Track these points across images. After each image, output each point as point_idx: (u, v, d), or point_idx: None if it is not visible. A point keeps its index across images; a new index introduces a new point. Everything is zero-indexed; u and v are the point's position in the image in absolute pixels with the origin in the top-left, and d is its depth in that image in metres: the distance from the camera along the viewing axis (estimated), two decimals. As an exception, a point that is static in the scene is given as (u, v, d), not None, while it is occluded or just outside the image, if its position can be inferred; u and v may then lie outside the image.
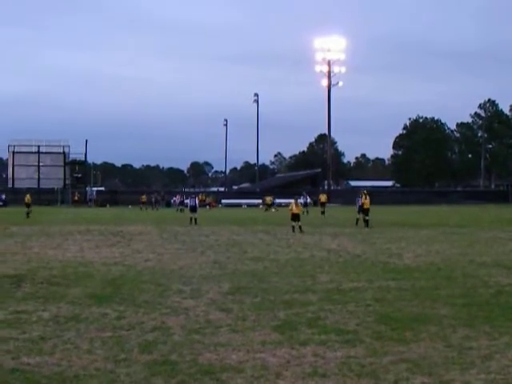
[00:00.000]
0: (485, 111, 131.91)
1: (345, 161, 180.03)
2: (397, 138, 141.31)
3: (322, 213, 55.49)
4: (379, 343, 9.46)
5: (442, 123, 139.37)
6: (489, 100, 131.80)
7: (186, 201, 64.83)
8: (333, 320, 11.11)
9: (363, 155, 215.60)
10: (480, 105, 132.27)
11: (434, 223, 42.19)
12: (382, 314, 11.60)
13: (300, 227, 34.57)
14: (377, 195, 73.04)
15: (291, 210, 36.13)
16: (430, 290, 14.18)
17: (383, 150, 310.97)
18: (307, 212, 51.45)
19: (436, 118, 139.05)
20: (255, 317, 11.37)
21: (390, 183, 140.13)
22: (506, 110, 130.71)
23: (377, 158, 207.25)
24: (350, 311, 11.88)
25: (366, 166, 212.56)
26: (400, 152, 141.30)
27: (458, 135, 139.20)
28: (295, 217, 35.33)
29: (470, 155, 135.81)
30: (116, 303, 12.68)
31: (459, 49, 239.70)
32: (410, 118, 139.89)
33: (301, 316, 11.43)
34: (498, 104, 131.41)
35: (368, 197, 39.62)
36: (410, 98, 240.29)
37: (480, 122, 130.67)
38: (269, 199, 78.55)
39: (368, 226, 37.66)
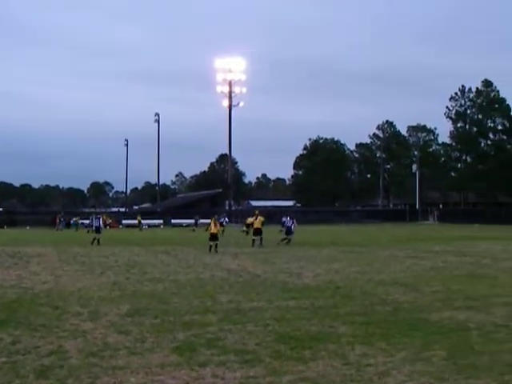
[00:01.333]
0: (383, 132, 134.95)
1: (246, 181, 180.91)
2: (297, 158, 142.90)
3: (247, 233, 54.41)
4: (278, 362, 9.47)
5: (341, 144, 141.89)
6: (387, 121, 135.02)
7: (87, 221, 64.16)
8: (232, 340, 11.07)
9: (264, 175, 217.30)
10: (378, 126, 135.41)
11: (334, 242, 42.74)
12: (281, 334, 11.63)
13: (216, 246, 34.50)
14: (277, 215, 73.69)
15: (209, 229, 35.82)
16: (329, 309, 14.32)
17: (284, 170, 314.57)
18: (223, 232, 50.72)
19: (336, 139, 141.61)
20: (154, 338, 11.23)
21: (290, 203, 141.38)
22: (404, 131, 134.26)
23: (278, 178, 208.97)
24: (250, 331, 11.86)
25: (267, 186, 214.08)
26: (300, 172, 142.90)
27: (357, 155, 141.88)
28: (213, 236, 35.03)
29: (368, 175, 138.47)
30: (11, 327, 12.32)
31: (360, 71, 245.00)
32: (310, 139, 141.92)
33: (200, 337, 11.34)
34: (395, 125, 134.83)
35: (260, 218, 39.65)
36: (311, 119, 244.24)
37: (378, 142, 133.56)
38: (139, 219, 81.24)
39: (254, 245, 38.24)
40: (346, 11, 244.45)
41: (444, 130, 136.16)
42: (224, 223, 57.60)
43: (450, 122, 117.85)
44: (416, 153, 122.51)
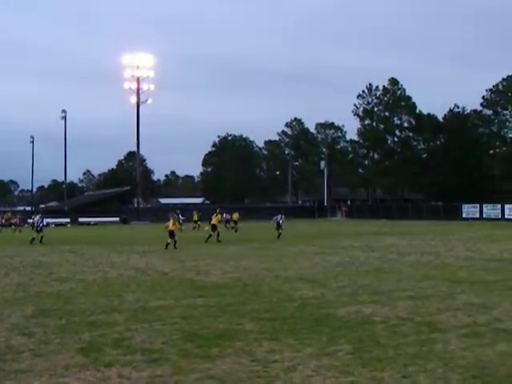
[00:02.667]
0: (291, 129, 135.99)
1: (154, 178, 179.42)
2: (206, 155, 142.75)
3: (233, 229, 55.22)
4: (185, 361, 9.44)
5: (250, 141, 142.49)
6: (295, 119, 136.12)
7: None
8: (139, 339, 10.96)
9: (173, 172, 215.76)
10: (287, 123, 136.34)
11: (242, 239, 42.84)
12: (188, 332, 11.59)
13: (175, 243, 34.96)
14: (188, 212, 73.39)
15: (167, 227, 36.33)
16: (237, 306, 14.34)
17: (193, 167, 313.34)
18: (181, 229, 50.05)
19: (244, 136, 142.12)
20: (59, 340, 11.03)
21: (199, 200, 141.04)
22: (312, 129, 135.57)
23: (186, 176, 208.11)
24: (157, 330, 11.78)
25: (175, 184, 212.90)
26: (209, 169, 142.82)
27: (266, 152, 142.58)
28: (171, 234, 35.51)
29: (277, 172, 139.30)
30: None
31: (270, 69, 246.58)
32: (219, 136, 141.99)
33: (106, 337, 11.20)
34: (303, 122, 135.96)
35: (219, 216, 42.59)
36: (220, 117, 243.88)
37: (287, 139, 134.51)
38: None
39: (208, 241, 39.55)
40: (257, 11, 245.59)
41: (352, 128, 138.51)
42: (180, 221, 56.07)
43: (358, 119, 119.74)
44: (324, 150, 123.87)
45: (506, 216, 76.95)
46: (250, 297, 15.80)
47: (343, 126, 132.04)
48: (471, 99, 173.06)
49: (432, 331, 11.26)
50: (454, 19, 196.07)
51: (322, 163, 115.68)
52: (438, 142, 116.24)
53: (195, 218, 63.28)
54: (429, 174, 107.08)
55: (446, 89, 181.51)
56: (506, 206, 78.72)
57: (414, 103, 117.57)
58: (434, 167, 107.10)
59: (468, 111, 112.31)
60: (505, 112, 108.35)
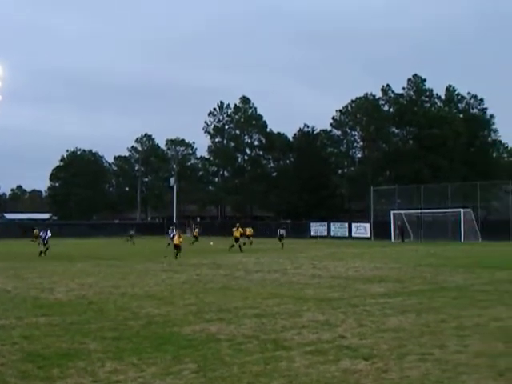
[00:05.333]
0: (142, 145, 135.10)
1: (0, 192, 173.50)
2: (54, 169, 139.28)
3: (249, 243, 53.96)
4: (24, 383, 9.04)
5: (100, 156, 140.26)
6: (146, 134, 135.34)
7: None
8: (-26, 362, 10.42)
9: (19, 187, 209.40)
10: (137, 139, 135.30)
11: (90, 256, 42.02)
12: (29, 352, 11.14)
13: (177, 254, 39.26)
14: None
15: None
16: (81, 325, 13.95)
17: (40, 181, 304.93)
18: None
19: (94, 151, 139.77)
20: None
21: (47, 216, 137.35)
22: (162, 145, 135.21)
23: (34, 190, 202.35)
24: (-5, 351, 11.26)
25: (22, 198, 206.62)
26: (57, 184, 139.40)
27: (115, 168, 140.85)
28: (176, 247, 40.20)
29: (127, 188, 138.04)
30: None
31: (121, 85, 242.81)
32: (67, 150, 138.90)
33: None
34: (154, 138, 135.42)
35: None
36: (70, 131, 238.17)
37: (137, 155, 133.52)
38: None
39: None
40: (115, 26, 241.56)
41: (203, 145, 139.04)
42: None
43: (209, 136, 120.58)
44: (174, 166, 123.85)
45: (353, 234, 79.30)
46: (94, 315, 15.42)
47: (194, 143, 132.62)
48: (322, 120, 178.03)
49: (277, 349, 11.31)
50: (300, 41, 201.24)
51: (172, 180, 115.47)
52: (288, 161, 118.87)
53: (195, 233, 64.22)
54: (278, 192, 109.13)
55: (296, 109, 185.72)
56: (353, 225, 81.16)
57: (264, 122, 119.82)
58: (283, 185, 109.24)
59: (317, 131, 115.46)
60: (353, 133, 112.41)
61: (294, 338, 12.29)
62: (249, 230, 57.33)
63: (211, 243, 49.03)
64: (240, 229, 50.70)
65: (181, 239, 41.18)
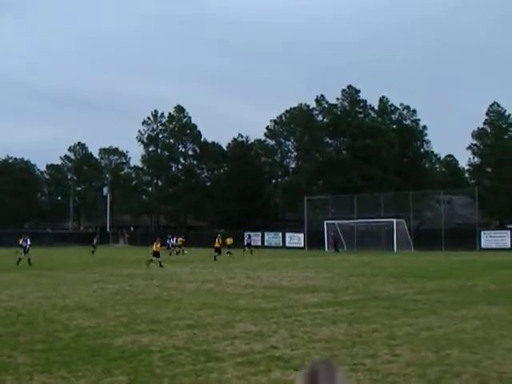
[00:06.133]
0: (75, 154, 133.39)
1: None
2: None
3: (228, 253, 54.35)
4: None
5: (32, 164, 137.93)
6: (79, 143, 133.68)
7: None
8: None
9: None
10: (70, 147, 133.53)
11: (20, 266, 41.18)
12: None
13: (160, 263, 39.88)
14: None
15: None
16: (9, 337, 13.66)
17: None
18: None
19: (26, 159, 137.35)
20: None
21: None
22: (96, 154, 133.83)
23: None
24: None
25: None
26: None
27: (47, 177, 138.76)
28: (156, 254, 40.85)
29: (59, 197, 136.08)
30: None
31: (53, 93, 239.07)
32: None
33: None
34: (87, 147, 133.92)
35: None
36: (1, 139, 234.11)
37: (70, 164, 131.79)
38: None
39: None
40: (44, 32, 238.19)
41: (136, 154, 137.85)
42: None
43: (142, 145, 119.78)
44: (107, 175, 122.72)
45: (287, 244, 79.76)
46: (23, 327, 15.11)
47: (127, 152, 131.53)
48: (256, 130, 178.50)
49: (209, 360, 11.25)
50: (235, 51, 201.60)
51: (105, 189, 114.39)
52: (222, 171, 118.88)
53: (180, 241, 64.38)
54: (212, 201, 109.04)
55: (231, 118, 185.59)
56: (287, 235, 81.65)
57: (199, 131, 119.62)
58: (217, 195, 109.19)
59: (252, 141, 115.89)
60: (287, 142, 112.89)
61: (226, 349, 12.24)
62: (229, 240, 58.59)
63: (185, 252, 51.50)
64: (220, 240, 53.01)
65: (158, 245, 41.69)
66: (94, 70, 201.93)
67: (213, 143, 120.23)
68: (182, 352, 12.00)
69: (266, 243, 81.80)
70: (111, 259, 51.48)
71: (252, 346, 12.63)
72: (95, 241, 69.54)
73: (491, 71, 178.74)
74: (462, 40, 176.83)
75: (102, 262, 47.47)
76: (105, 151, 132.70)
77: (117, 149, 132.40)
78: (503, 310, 17.55)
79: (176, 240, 67.44)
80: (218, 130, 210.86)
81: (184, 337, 13.63)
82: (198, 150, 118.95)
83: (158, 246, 41.83)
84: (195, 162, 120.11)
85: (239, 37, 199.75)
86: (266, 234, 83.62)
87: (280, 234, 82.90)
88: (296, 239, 79.79)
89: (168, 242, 68.64)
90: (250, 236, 69.38)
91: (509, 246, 63.87)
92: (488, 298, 20.72)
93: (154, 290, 24.83)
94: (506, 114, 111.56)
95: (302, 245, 77.44)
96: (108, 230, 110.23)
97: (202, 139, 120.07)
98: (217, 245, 51.99)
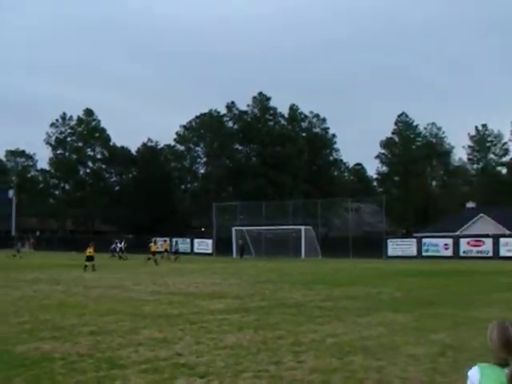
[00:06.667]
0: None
1: None
2: None
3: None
4: None
5: None
6: None
7: None
8: None
9: None
10: None
11: None
12: None
13: (93, 266, 40.76)
14: None
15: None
16: None
17: None
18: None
19: None
20: None
21: None
22: (2, 156, 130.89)
23: None
24: None
25: None
26: None
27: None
28: (90, 258, 41.52)
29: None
30: None
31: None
32: None
33: None
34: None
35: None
36: None
37: None
38: None
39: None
40: None
41: (43, 157, 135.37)
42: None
43: (50, 148, 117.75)
44: (14, 178, 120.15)
45: (196, 250, 79.60)
46: None
47: (35, 154, 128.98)
48: (166, 135, 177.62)
49: (112, 367, 11.09)
50: (145, 56, 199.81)
51: (11, 192, 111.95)
52: (131, 175, 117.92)
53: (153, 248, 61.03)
54: (121, 206, 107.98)
55: (141, 123, 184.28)
56: (196, 240, 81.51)
57: (108, 135, 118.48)
58: (126, 200, 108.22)
59: (161, 146, 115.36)
60: (197, 148, 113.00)
61: (130, 356, 12.10)
62: (165, 244, 61.69)
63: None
64: (155, 243, 55.98)
65: (91, 250, 42.27)
66: (1, 71, 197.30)
67: (122, 147, 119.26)
68: (85, 359, 11.80)
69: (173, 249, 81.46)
70: (15, 264, 50.31)
71: (156, 352, 12.52)
72: (19, 245, 68.65)
73: (400, 82, 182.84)
74: (370, 54, 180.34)
75: (5, 266, 46.34)
76: (11, 153, 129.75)
77: (23, 151, 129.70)
78: (408, 317, 17.91)
79: (122, 244, 66.69)
80: (127, 135, 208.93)
81: (87, 343, 13.41)
82: (106, 154, 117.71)
83: (91, 250, 42.08)
84: (104, 166, 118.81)
85: (151, 43, 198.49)
86: (174, 239, 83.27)
87: (188, 239, 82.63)
88: (204, 245, 79.74)
89: (114, 246, 67.70)
90: (177, 242, 69.73)
91: (415, 254, 65.50)
92: (393, 305, 21.12)
93: (58, 295, 24.37)
94: (414, 124, 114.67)
95: (211, 251, 77.45)
96: (13, 233, 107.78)
97: (111, 143, 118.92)
98: (153, 248, 55.31)
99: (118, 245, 67.16)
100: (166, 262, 56.18)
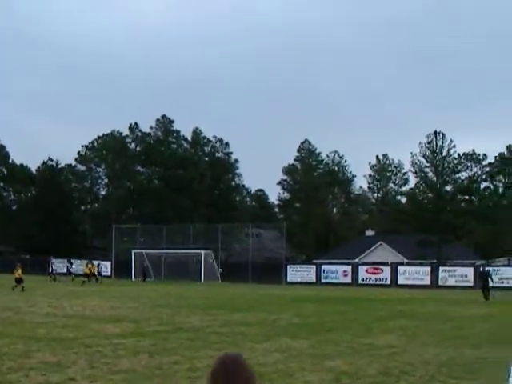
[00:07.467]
0: None
1: None
2: None
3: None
4: None
5: None
6: None
7: None
8: None
9: None
10: None
11: None
12: None
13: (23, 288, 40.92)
14: None
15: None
16: None
17: None
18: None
19: None
20: None
21: None
22: None
23: None
24: None
25: None
26: None
27: None
28: (19, 280, 41.70)
29: None
30: None
31: None
32: None
33: None
34: None
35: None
36: None
37: None
38: None
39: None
40: None
41: None
42: None
43: None
44: None
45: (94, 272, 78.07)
46: None
47: None
48: (68, 154, 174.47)
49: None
50: (48, 73, 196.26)
51: None
52: (30, 194, 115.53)
53: (87, 270, 60.08)
54: (19, 225, 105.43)
55: (42, 141, 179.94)
56: (94, 262, 79.71)
57: (7, 152, 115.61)
58: (24, 219, 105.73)
59: (62, 165, 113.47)
60: (98, 169, 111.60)
61: (21, 381, 11.80)
62: (92, 267, 61.57)
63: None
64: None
65: (19, 271, 42.43)
66: None
67: (21, 165, 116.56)
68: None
69: (73, 271, 79.76)
70: None
71: (48, 377, 12.24)
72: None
73: (303, 110, 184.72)
74: (273, 79, 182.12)
75: None
76: None
77: None
78: (304, 344, 18.06)
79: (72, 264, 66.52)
80: (27, 153, 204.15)
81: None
82: (5, 172, 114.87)
83: (19, 271, 42.35)
84: (1, 184, 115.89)
85: (50, 58, 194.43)
86: (73, 260, 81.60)
87: (86, 261, 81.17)
88: (103, 267, 78.49)
89: (68, 265, 67.48)
90: (99, 264, 68.89)
91: (314, 281, 66.13)
92: (291, 331, 21.26)
93: None
94: (317, 151, 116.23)
95: (109, 273, 76.34)
96: None
97: (10, 161, 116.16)
98: (86, 271, 58.44)
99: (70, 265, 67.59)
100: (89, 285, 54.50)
